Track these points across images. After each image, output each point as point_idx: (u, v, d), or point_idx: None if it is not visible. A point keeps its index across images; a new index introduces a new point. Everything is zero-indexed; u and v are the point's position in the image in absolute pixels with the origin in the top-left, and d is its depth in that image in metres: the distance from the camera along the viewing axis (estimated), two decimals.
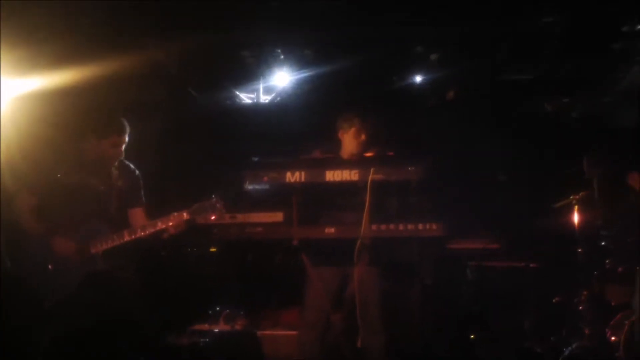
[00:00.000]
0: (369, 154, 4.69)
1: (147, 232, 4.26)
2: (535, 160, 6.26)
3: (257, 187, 4.54)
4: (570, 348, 4.66)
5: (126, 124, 4.39)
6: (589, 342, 4.67)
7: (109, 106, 4.91)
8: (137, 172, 4.55)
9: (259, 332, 5.22)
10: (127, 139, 4.39)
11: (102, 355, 3.97)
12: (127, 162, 4.52)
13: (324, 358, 4.71)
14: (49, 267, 4.15)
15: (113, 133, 4.33)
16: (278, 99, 6.93)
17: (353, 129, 4.69)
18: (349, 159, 4.71)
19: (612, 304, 4.91)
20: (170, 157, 6.73)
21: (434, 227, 4.37)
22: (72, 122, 4.79)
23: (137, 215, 4.46)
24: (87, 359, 3.97)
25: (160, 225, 4.26)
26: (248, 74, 6.64)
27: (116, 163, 4.44)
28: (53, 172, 4.29)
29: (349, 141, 4.71)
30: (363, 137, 4.68)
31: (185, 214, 4.28)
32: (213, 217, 4.30)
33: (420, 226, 4.36)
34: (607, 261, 4.97)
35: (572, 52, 6.04)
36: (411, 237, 4.39)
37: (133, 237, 4.25)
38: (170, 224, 4.26)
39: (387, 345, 4.59)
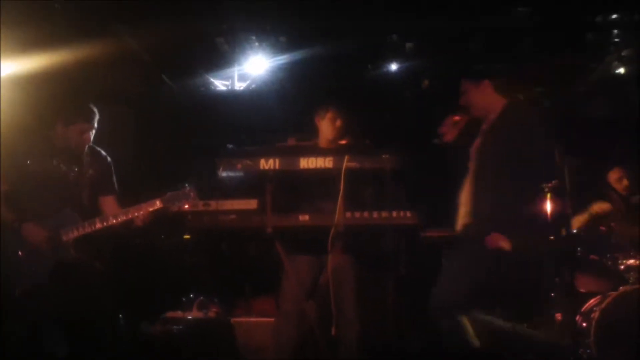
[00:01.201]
0: (344, 142, 4.69)
1: (120, 220, 4.22)
2: None
3: (230, 174, 4.52)
4: (541, 334, 4.70)
5: (95, 110, 4.34)
6: (560, 329, 4.71)
7: (78, 93, 4.86)
8: (108, 158, 4.51)
9: (232, 320, 5.22)
10: (95, 125, 4.34)
11: (72, 343, 3.95)
12: (98, 149, 4.47)
13: (299, 346, 4.72)
14: (19, 253, 4.10)
15: (80, 119, 4.27)
16: (253, 86, 6.90)
17: (329, 115, 4.69)
18: (326, 145, 4.71)
19: (582, 291, 4.97)
20: (143, 144, 6.69)
21: (408, 215, 4.38)
22: (42, 109, 4.72)
23: (109, 202, 4.42)
24: (58, 347, 3.94)
25: (132, 214, 4.23)
26: (222, 61, 6.60)
27: (87, 149, 4.39)
28: (23, 160, 4.24)
29: (325, 127, 4.71)
30: (339, 122, 4.68)
31: (158, 203, 4.25)
32: (186, 206, 4.28)
33: (394, 214, 4.37)
34: (578, 249, 5.02)
35: (546, 42, 6.07)
36: (385, 226, 4.40)
37: (105, 224, 4.21)
38: (143, 212, 4.23)
39: (361, 333, 4.61)
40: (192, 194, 4.27)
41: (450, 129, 4.25)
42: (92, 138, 4.36)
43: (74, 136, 4.29)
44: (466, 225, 4.06)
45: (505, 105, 4.04)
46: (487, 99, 4.09)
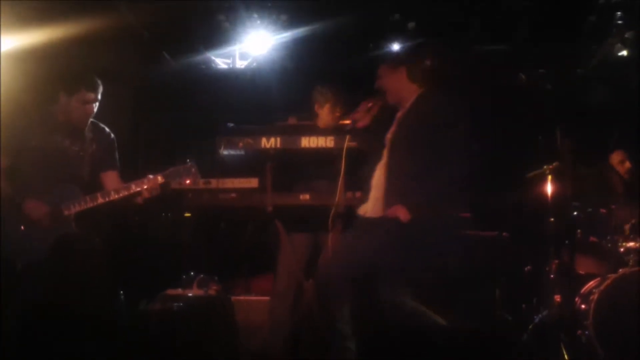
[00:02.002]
0: (345, 122, 4.69)
1: (121, 195, 4.21)
2: (508, 131, 6.29)
3: (231, 153, 4.52)
4: (540, 316, 4.72)
5: (98, 81, 4.30)
6: (559, 310, 4.73)
7: (81, 65, 4.83)
8: (111, 135, 4.49)
9: (232, 298, 5.24)
10: (99, 97, 4.30)
11: (72, 318, 3.95)
12: (101, 125, 4.45)
13: (296, 325, 4.73)
14: (21, 228, 4.10)
15: (82, 87, 4.22)
16: (254, 64, 6.87)
17: (328, 105, 4.68)
18: (326, 126, 4.70)
19: (582, 273, 4.98)
20: (145, 122, 6.67)
21: None
22: (43, 84, 4.69)
23: (111, 178, 4.41)
24: (58, 322, 3.95)
25: (134, 189, 4.22)
26: (224, 39, 6.57)
27: (90, 125, 4.37)
28: (25, 135, 4.22)
29: (324, 115, 4.70)
30: (338, 112, 4.66)
31: (159, 178, 4.24)
32: (188, 182, 4.28)
33: None
34: (578, 231, 5.03)
35: (548, 23, 6.04)
36: None
37: (107, 199, 4.20)
38: (145, 187, 4.22)
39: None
40: (193, 169, 4.27)
41: (363, 115, 4.20)
42: (95, 111, 4.33)
43: (77, 107, 4.24)
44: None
45: (419, 94, 3.99)
46: (402, 86, 4.01)
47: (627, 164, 5.45)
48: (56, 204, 4.14)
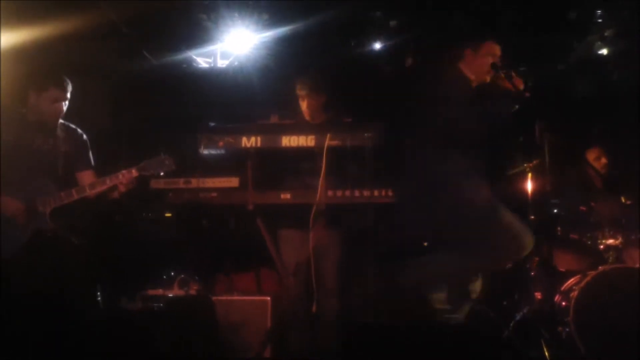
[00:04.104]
0: (323, 118, 4.69)
1: (96, 190, 4.20)
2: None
3: (212, 151, 4.50)
4: (521, 312, 4.75)
5: (67, 80, 4.28)
6: (539, 306, 4.75)
7: (53, 63, 4.79)
8: (84, 135, 4.46)
9: (213, 298, 5.23)
10: (68, 95, 4.28)
11: (48, 316, 3.92)
12: (72, 126, 4.42)
13: (279, 323, 4.73)
14: None
15: (52, 85, 4.21)
16: (235, 63, 6.85)
17: (311, 95, 4.68)
18: (308, 121, 4.71)
19: (562, 270, 5.01)
20: (124, 121, 6.63)
21: (390, 193, 4.40)
22: (17, 84, 4.65)
23: (87, 177, 4.38)
24: (32, 319, 3.92)
25: (108, 183, 4.20)
26: (205, 38, 6.54)
27: (61, 125, 4.34)
28: None
29: (306, 106, 4.70)
30: (318, 101, 4.67)
31: (134, 171, 4.23)
32: (162, 173, 4.27)
33: (375, 192, 4.39)
34: (558, 228, 5.06)
35: (528, 20, 6.06)
36: (366, 204, 4.41)
37: (82, 195, 4.17)
38: (120, 181, 4.20)
39: (339, 309, 4.63)
40: (167, 161, 4.27)
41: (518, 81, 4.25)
42: (64, 110, 4.29)
43: (47, 105, 4.21)
44: None
45: None
46: None
47: (603, 160, 5.49)
48: (30, 200, 4.10)
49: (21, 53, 5.00)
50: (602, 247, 4.84)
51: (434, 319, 4.11)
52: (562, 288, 4.71)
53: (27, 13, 5.00)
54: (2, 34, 4.87)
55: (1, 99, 4.52)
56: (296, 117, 4.77)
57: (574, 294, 4.42)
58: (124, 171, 4.21)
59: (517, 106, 4.15)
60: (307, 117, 4.73)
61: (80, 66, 5.14)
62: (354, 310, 4.89)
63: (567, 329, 4.38)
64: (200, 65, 6.91)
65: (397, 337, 3.82)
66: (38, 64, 4.85)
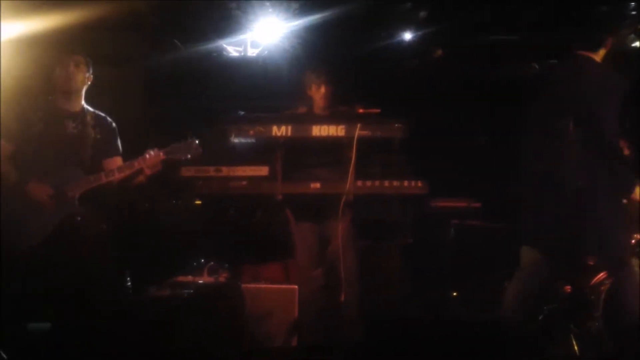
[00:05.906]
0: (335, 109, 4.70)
1: (125, 172, 4.20)
2: (520, 121, 6.25)
3: (242, 141, 4.52)
4: (550, 307, 4.71)
5: (89, 59, 4.33)
6: (568, 301, 4.72)
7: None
8: (113, 123, 4.46)
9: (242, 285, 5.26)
10: (90, 68, 4.32)
11: (76, 303, 3.96)
12: (102, 114, 4.44)
13: (304, 312, 4.75)
14: (24, 212, 4.08)
15: (74, 54, 4.26)
16: (266, 52, 6.86)
17: (323, 87, 4.69)
18: (320, 113, 4.71)
19: (591, 264, 4.96)
20: (154, 109, 6.67)
21: (419, 184, 4.39)
22: (46, 71, 4.69)
23: (115, 164, 4.38)
24: (63, 303, 3.96)
25: (136, 166, 4.21)
26: (235, 27, 6.55)
27: (91, 114, 4.36)
28: (28, 120, 4.22)
29: (319, 99, 4.72)
30: (328, 92, 4.67)
31: (161, 154, 4.23)
32: (189, 156, 4.28)
33: (405, 183, 4.38)
34: None
35: (558, 12, 5.99)
36: (396, 195, 4.41)
37: (110, 178, 4.19)
38: (146, 163, 4.22)
39: (366, 302, 4.64)
40: (194, 145, 4.26)
41: None
42: (89, 79, 4.33)
43: (72, 68, 4.23)
44: None
45: None
46: None
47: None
48: (59, 186, 4.14)
49: (52, 41, 5.03)
50: (633, 241, 4.78)
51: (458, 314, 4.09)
52: (592, 282, 4.66)
53: (57, 3, 5.04)
54: (29, 21, 4.92)
55: (32, 85, 4.57)
56: (308, 106, 4.77)
57: (604, 287, 4.38)
58: (151, 152, 4.22)
59: None
60: (320, 105, 4.72)
61: (111, 56, 5.17)
62: (378, 302, 4.89)
63: (597, 324, 4.34)
64: (230, 54, 6.93)
65: (421, 330, 3.82)
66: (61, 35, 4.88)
